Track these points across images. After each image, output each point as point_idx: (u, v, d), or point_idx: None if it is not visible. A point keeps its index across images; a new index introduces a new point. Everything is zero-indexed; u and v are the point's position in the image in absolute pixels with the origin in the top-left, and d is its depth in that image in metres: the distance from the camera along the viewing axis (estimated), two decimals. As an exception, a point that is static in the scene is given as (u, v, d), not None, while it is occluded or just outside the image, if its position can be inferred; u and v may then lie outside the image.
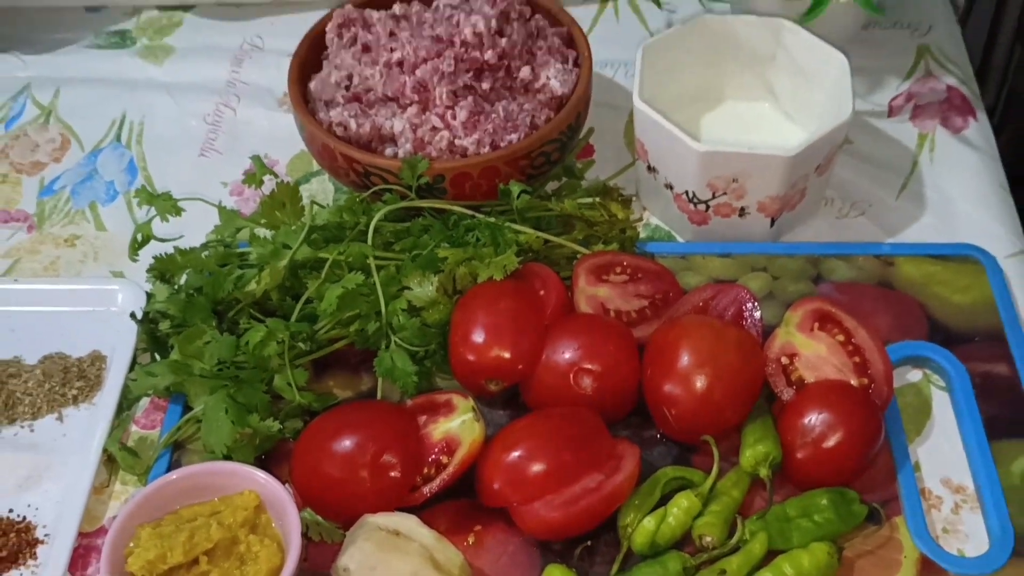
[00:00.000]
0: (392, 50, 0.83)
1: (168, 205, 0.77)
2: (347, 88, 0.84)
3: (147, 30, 1.05)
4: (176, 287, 0.77)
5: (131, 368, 0.77)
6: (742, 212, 0.80)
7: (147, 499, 0.64)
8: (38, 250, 0.87)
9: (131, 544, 0.63)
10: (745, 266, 0.81)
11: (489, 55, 0.81)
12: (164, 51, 1.02)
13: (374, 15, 0.87)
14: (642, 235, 0.85)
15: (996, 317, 0.77)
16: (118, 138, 0.95)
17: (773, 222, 0.81)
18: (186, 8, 1.07)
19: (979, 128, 0.92)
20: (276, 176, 0.80)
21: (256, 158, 0.80)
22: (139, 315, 0.78)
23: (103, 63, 1.01)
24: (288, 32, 1.01)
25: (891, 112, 0.93)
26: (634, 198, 0.85)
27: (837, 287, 0.79)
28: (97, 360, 0.79)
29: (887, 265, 0.81)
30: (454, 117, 0.80)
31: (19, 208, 0.90)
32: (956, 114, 0.92)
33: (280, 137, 0.93)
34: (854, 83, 0.79)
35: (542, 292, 0.75)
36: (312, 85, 0.85)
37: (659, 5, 0.88)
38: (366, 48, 0.85)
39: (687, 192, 0.79)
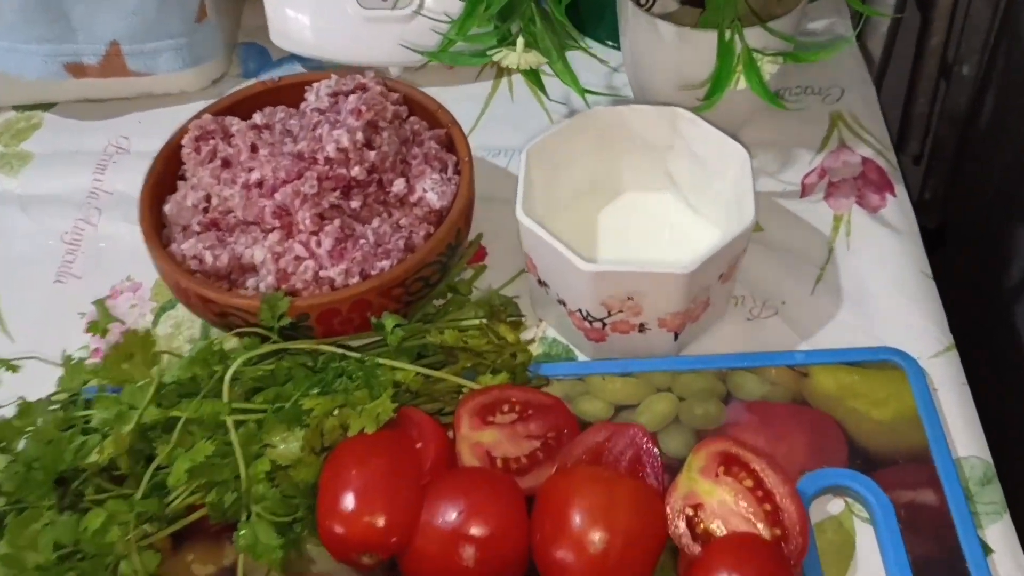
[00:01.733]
0: (251, 169, 0.75)
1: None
2: (206, 211, 0.76)
3: (2, 135, 0.96)
4: (14, 456, 0.69)
5: (-31, 548, 0.69)
6: (641, 328, 0.73)
7: None
8: None
9: None
10: (648, 387, 0.74)
11: (356, 171, 0.74)
12: (20, 159, 0.94)
13: (234, 125, 0.79)
14: (539, 351, 0.78)
15: (920, 433, 0.71)
16: (-35, 263, 0.87)
17: (676, 336, 0.75)
18: (46, 107, 0.98)
19: (898, 205, 0.85)
20: (123, 322, 0.72)
21: (99, 304, 0.73)
22: (-24, 486, 0.70)
23: (-50, 176, 0.93)
24: (157, 130, 0.92)
25: (804, 191, 0.87)
26: (523, 319, 0.78)
27: (748, 407, 0.73)
28: (-67, 540, 0.71)
29: (801, 376, 0.74)
30: (319, 244, 0.72)
31: None
32: (873, 190, 0.86)
33: (144, 256, 0.84)
34: (759, 160, 0.73)
35: (419, 444, 0.67)
36: (167, 208, 0.77)
37: (545, 95, 0.81)
38: (226, 163, 0.77)
39: (581, 310, 0.72)
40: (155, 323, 0.81)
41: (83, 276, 0.85)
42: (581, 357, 0.78)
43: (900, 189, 0.86)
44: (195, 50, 0.95)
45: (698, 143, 0.78)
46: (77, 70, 0.93)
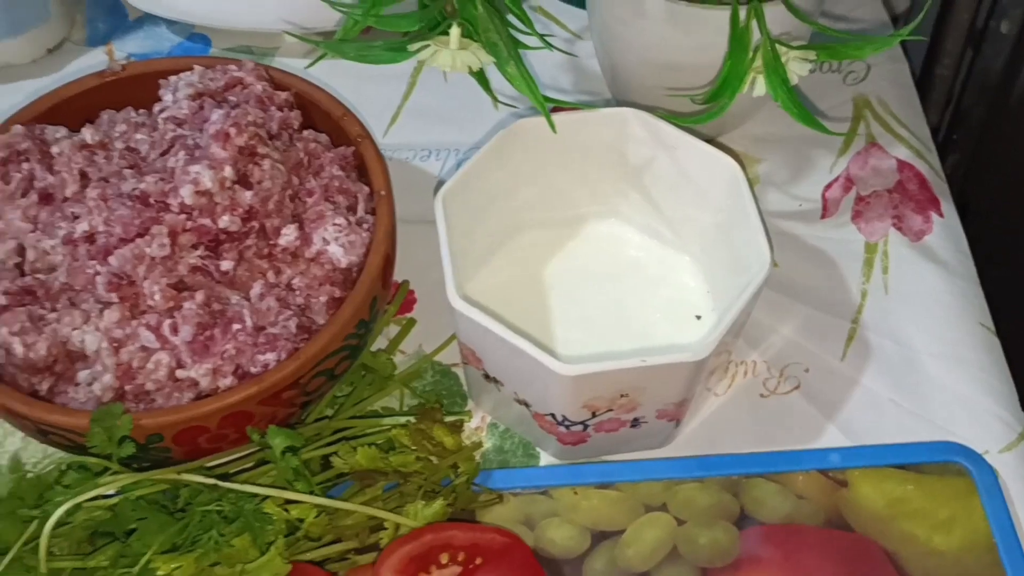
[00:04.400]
0: (75, 217, 0.53)
1: None
2: (19, 268, 0.54)
3: None
4: None
5: None
6: (635, 423, 0.54)
7: None
8: None
9: None
10: (636, 504, 0.55)
11: (226, 220, 0.52)
12: None
13: (59, 140, 0.57)
14: (488, 443, 0.58)
15: (996, 565, 0.53)
16: None
17: (678, 424, 0.56)
18: None
19: (946, 229, 0.66)
20: None
21: None
22: None
23: None
24: None
25: (826, 209, 0.67)
26: (467, 413, 0.58)
27: (768, 533, 0.54)
28: None
29: (838, 487, 0.56)
30: (175, 330, 0.51)
31: None
32: (914, 208, 0.67)
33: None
34: (762, 167, 0.54)
35: (324, 625, 0.48)
36: (-37, 264, 0.55)
37: (495, 101, 0.59)
38: (46, 198, 0.55)
39: (553, 415, 0.53)
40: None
41: None
42: (545, 457, 0.58)
43: (948, 206, 0.67)
44: (15, 10, 0.71)
45: (670, 156, 0.58)
46: None
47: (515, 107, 0.67)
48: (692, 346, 0.50)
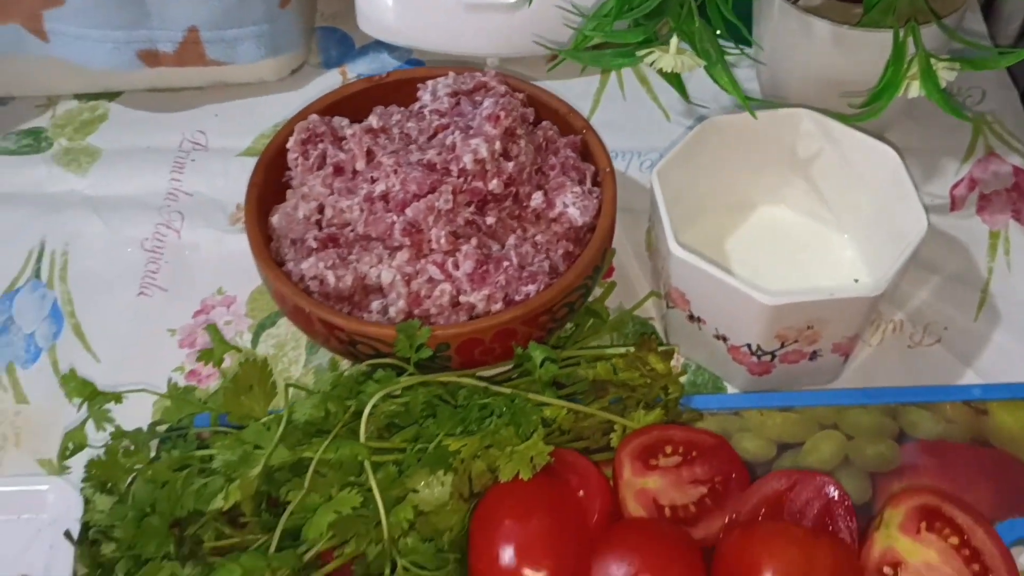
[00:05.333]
0: (374, 180, 0.67)
1: (104, 413, 0.62)
2: (319, 224, 0.69)
3: (65, 128, 0.88)
4: (119, 496, 0.62)
5: (70, 601, 0.62)
6: (813, 356, 0.67)
7: None
8: (-56, 435, 0.71)
9: None
10: (811, 423, 0.68)
11: (494, 184, 0.67)
12: (88, 155, 0.86)
13: (346, 128, 0.71)
14: (684, 381, 0.71)
15: (1115, 476, 0.65)
16: (37, 274, 0.78)
17: (847, 359, 0.68)
18: (111, 96, 0.90)
19: (1058, 219, 0.79)
20: (239, 350, 0.65)
21: (212, 330, 0.65)
22: (76, 529, 0.62)
23: (14, 174, 0.85)
24: (236, 125, 0.88)
25: (953, 204, 0.80)
26: (675, 348, 0.71)
27: (924, 448, 0.66)
28: (25, 593, 0.63)
29: (979, 414, 0.68)
30: (456, 267, 0.65)
31: (-83, 377, 0.74)
32: (1029, 204, 0.80)
33: (236, 266, 0.77)
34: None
35: (581, 491, 0.61)
36: (274, 220, 0.70)
37: (686, 98, 0.74)
38: (338, 170, 0.70)
39: (749, 345, 0.66)
40: (255, 342, 0.74)
41: (169, 288, 0.77)
42: (730, 389, 0.71)
43: (1059, 203, 0.80)
44: (276, 38, 0.87)
45: (836, 149, 0.71)
46: (150, 58, 0.84)
47: (706, 107, 0.81)
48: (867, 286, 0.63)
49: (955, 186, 0.81)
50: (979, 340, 0.72)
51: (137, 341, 0.74)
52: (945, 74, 0.68)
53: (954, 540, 0.58)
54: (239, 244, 0.78)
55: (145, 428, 0.65)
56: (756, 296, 0.62)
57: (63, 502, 0.65)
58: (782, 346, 0.66)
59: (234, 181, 0.83)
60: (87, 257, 0.79)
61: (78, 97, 0.90)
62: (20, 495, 0.66)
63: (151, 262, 0.79)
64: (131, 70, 0.84)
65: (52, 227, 0.81)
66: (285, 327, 0.75)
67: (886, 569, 0.58)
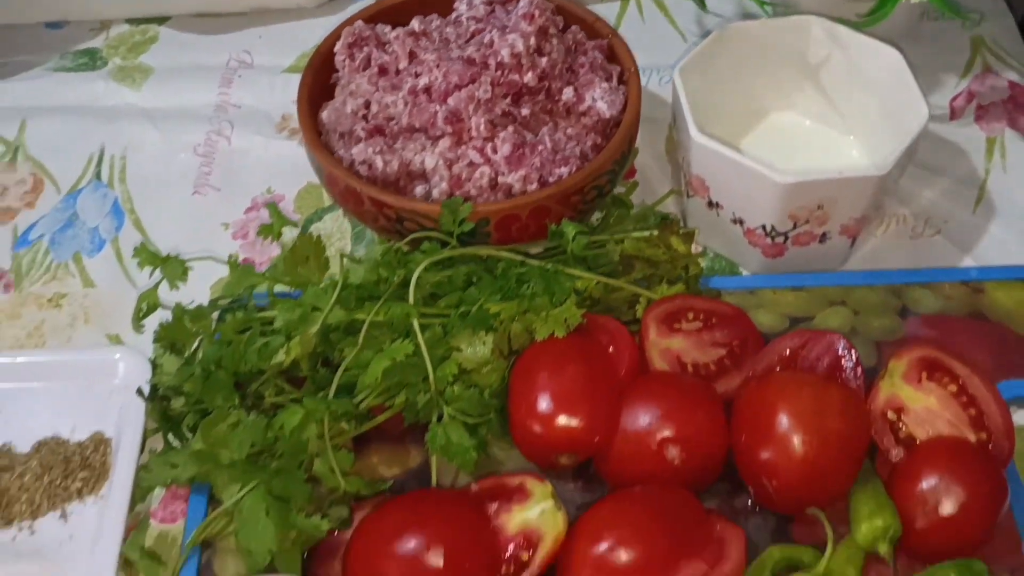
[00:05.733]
0: (417, 75, 0.73)
1: (177, 270, 0.67)
2: (365, 118, 0.74)
3: (119, 48, 0.94)
4: (186, 357, 0.68)
5: (141, 451, 0.68)
6: (823, 238, 0.72)
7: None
8: (18, 314, 0.76)
9: None
10: (822, 300, 0.73)
11: (529, 77, 0.72)
12: (141, 72, 0.91)
13: (389, 32, 0.77)
14: (703, 268, 0.76)
15: (1099, 345, 0.71)
16: (98, 176, 0.84)
17: (853, 242, 0.74)
18: (160, 20, 0.96)
19: (1049, 128, 0.85)
20: (296, 225, 0.71)
21: (272, 207, 0.71)
22: (146, 390, 0.68)
23: (72, 88, 0.90)
24: (279, 46, 0.93)
25: (953, 114, 0.86)
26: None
27: (925, 321, 0.72)
28: (101, 444, 0.69)
29: (976, 292, 0.73)
30: (495, 151, 0.71)
31: (-9, 264, 0.79)
32: (1023, 113, 0.85)
33: (283, 168, 0.83)
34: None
35: (611, 348, 0.66)
36: (324, 115, 0.75)
37: (703, 7, 0.79)
38: (383, 71, 0.75)
39: (764, 226, 0.71)
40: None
41: (221, 188, 0.83)
42: (745, 274, 0.76)
43: (1050, 113, 0.85)
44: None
45: (844, 52, 0.77)
46: (202, -20, 0.90)
47: (721, 16, 0.87)
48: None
49: (955, 98, 0.86)
50: (976, 231, 0.78)
51: (193, 234, 0.80)
52: (944, -20, 0.74)
53: (952, 388, 0.64)
54: (286, 149, 0.85)
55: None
56: (771, 175, 0.67)
57: (132, 368, 0.71)
58: (794, 227, 0.71)
59: (279, 94, 0.88)
60: (144, 161, 0.85)
61: (129, 21, 0.96)
62: (94, 363, 0.72)
63: (204, 165, 0.84)
64: (181, -8, 0.90)
65: (110, 135, 0.87)
66: (331, 222, 0.80)
67: (890, 414, 0.64)
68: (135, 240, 0.79)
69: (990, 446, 0.62)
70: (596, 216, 0.77)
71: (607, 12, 0.94)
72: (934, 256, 0.77)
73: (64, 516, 0.66)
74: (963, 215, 0.79)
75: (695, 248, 0.76)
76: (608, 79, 0.76)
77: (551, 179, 0.71)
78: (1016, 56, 0.89)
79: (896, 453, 0.63)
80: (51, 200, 0.83)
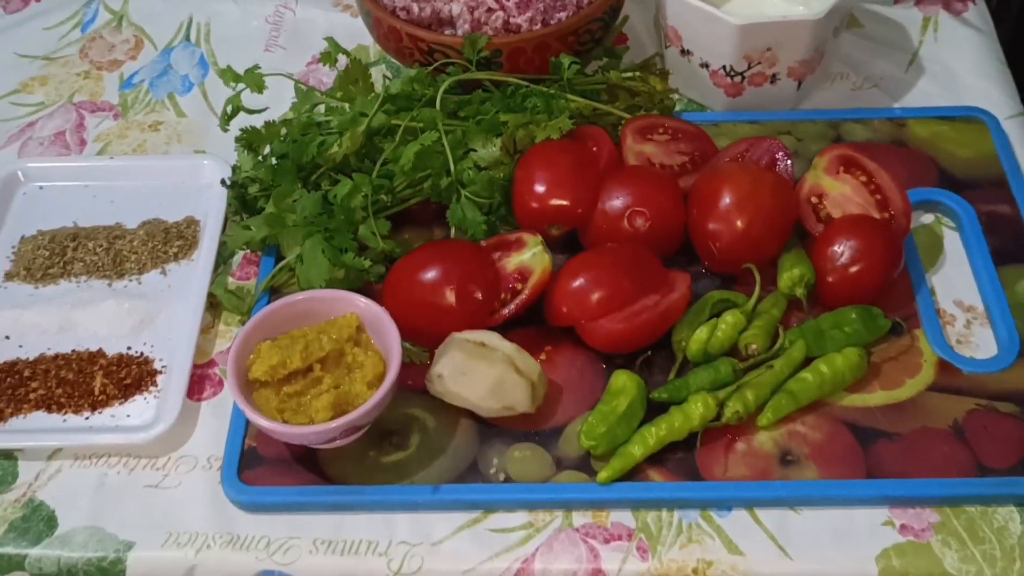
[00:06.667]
0: (446, -54, 0.91)
1: (257, 80, 0.85)
2: (404, -23, 0.92)
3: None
4: (260, 157, 0.86)
5: (223, 231, 0.86)
6: (773, 79, 0.89)
7: (263, 319, 0.73)
8: (125, 135, 0.95)
9: (251, 356, 0.71)
10: (772, 131, 0.90)
11: (537, -59, 0.90)
12: (222, -40, 1.10)
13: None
14: (678, 107, 0.94)
15: (999, 167, 0.87)
16: (188, 38, 1.03)
17: (800, 85, 0.90)
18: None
19: (978, 11, 1.01)
20: (348, 54, 0.89)
21: (330, 40, 0.89)
22: (227, 182, 0.86)
23: (163, -28, 1.10)
24: None
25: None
26: (669, 73, 0.94)
27: (855, 146, 0.88)
28: (192, 224, 0.87)
29: (899, 127, 0.90)
30: (508, -1, 0.88)
31: (103, 99, 0.98)
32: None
33: (338, 34, 1.00)
34: None
35: (595, 149, 0.84)
36: (373, -23, 0.93)
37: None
38: (421, -60, 0.93)
39: (724, 67, 0.88)
40: (353, 82, 0.97)
41: (287, 47, 1.02)
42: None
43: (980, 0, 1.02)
44: None
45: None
46: None
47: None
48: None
49: (899, -13, 1.03)
50: (906, 86, 0.95)
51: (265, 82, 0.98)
52: None
53: (863, 178, 0.80)
54: (341, 20, 1.04)
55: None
56: (728, 18, 0.85)
57: (215, 170, 0.89)
58: (749, 67, 0.88)
59: (336, -22, 1.07)
60: (224, 26, 1.04)
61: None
62: (185, 166, 0.91)
63: (273, 31, 1.03)
64: None
65: (197, 7, 1.05)
66: (374, 72, 0.98)
67: (812, 199, 0.81)
68: (218, 85, 0.98)
69: (891, 222, 0.79)
70: (592, 66, 0.94)
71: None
72: (870, 104, 0.93)
73: (164, 272, 0.85)
74: (897, 73, 0.96)
75: (671, 88, 0.93)
76: (603, -47, 0.93)
77: (552, 21, 0.88)
78: (956, -47, 1.06)
79: (817, 228, 0.80)
80: (149, 55, 1.02)
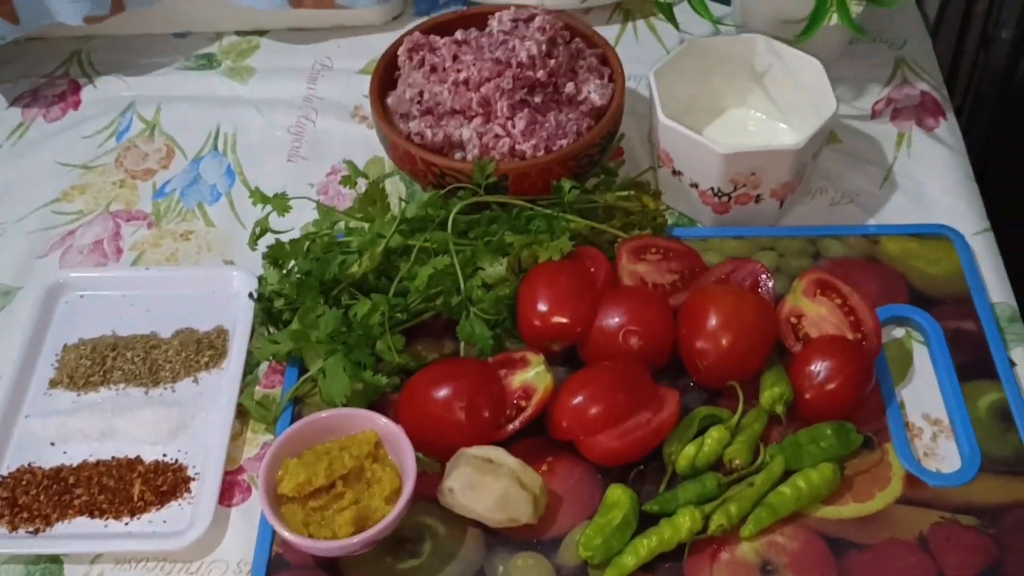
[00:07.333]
0: (459, 71, 0.99)
1: (282, 203, 0.93)
2: (419, 103, 1.00)
3: (230, 53, 1.20)
4: (285, 272, 0.93)
5: (250, 340, 0.93)
6: (757, 199, 0.97)
7: (290, 437, 0.80)
8: (159, 244, 1.03)
9: (280, 473, 0.79)
10: (756, 246, 0.98)
11: (540, 74, 0.98)
12: (247, 71, 1.18)
13: (439, 40, 1.03)
14: (669, 221, 1.01)
15: (964, 285, 0.94)
16: (215, 147, 1.11)
17: (782, 204, 0.98)
18: (261, 33, 1.23)
19: (949, 127, 1.09)
20: (367, 177, 0.96)
21: (350, 163, 0.97)
22: (254, 295, 0.94)
23: (195, 82, 1.17)
24: (353, 53, 1.19)
25: (874, 115, 1.10)
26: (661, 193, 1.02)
27: (832, 262, 0.96)
28: (221, 333, 0.95)
29: (873, 243, 0.97)
30: (514, 126, 0.96)
31: (138, 208, 1.06)
32: (929, 115, 1.09)
33: (355, 144, 1.10)
34: (838, 88, 0.96)
35: (592, 269, 0.91)
36: (389, 101, 1.01)
37: (676, 27, 1.04)
38: (433, 69, 1.01)
39: (712, 188, 0.96)
40: (369, 193, 1.05)
41: (309, 158, 1.09)
42: (700, 226, 1.01)
43: (951, 116, 1.10)
44: (383, -11, 1.19)
45: (782, 62, 1.01)
46: (296, 1, 1.17)
47: (690, 34, 1.12)
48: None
49: (876, 103, 1.11)
50: (881, 201, 1.02)
51: (287, 191, 1.04)
52: (855, 8, 0.99)
53: (838, 301, 0.88)
54: (357, 130, 1.11)
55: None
56: (715, 147, 0.92)
57: (243, 281, 0.97)
58: (735, 189, 0.96)
59: (354, 90, 1.15)
60: (250, 137, 1.12)
61: (238, 33, 1.23)
62: (216, 277, 0.98)
63: (295, 141, 1.11)
64: (281, 9, 1.16)
65: (224, 118, 1.13)
66: (390, 184, 1.06)
67: (792, 319, 0.88)
68: (244, 194, 1.05)
69: (863, 343, 0.86)
70: (591, 182, 1.02)
71: (610, 33, 1.20)
72: (847, 219, 1.01)
73: (196, 381, 0.92)
74: (872, 189, 1.03)
75: (662, 206, 1.01)
76: (601, 77, 1.01)
77: (555, 148, 0.96)
78: (930, 72, 1.13)
79: (796, 347, 0.87)
80: (180, 164, 1.10)
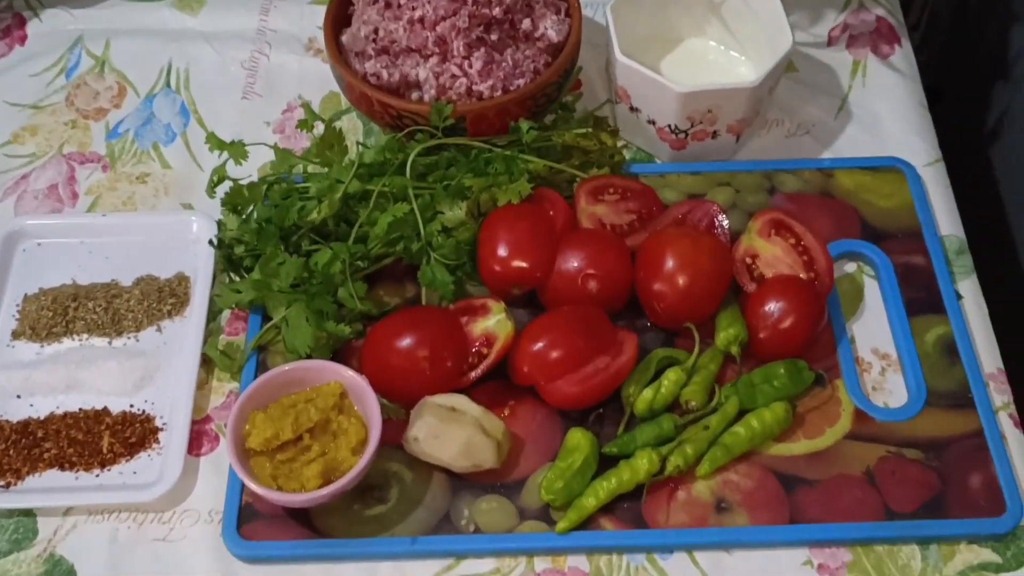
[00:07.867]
0: (414, 8, 0.97)
1: (240, 150, 0.93)
2: (374, 41, 0.99)
3: (179, -17, 1.18)
4: (244, 217, 0.93)
5: (212, 286, 0.94)
6: (714, 135, 0.97)
7: (256, 391, 0.81)
8: (115, 187, 1.02)
9: (247, 427, 0.80)
10: (713, 182, 0.98)
11: (496, 11, 0.96)
12: (197, 2, 1.15)
13: (392, -24, 1.01)
14: (627, 156, 1.02)
15: (915, 218, 0.96)
16: (168, 84, 1.09)
17: (738, 139, 0.99)
18: (211, -39, 1.20)
19: (903, 54, 1.09)
20: (324, 121, 0.96)
21: (306, 105, 0.96)
22: (215, 242, 0.94)
23: (144, 14, 1.14)
24: None
25: (830, 42, 1.10)
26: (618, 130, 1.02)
27: (787, 197, 0.97)
28: (183, 280, 0.95)
29: (827, 177, 0.99)
30: (470, 66, 0.95)
31: (92, 150, 1.04)
32: (884, 42, 1.10)
33: (311, 80, 1.08)
34: (794, 13, 0.96)
35: (552, 212, 0.92)
36: (344, 38, 1.00)
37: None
38: (388, 4, 1.00)
39: (669, 125, 0.96)
40: (326, 131, 1.04)
41: (264, 95, 1.08)
42: (658, 162, 1.02)
43: (906, 43, 1.10)
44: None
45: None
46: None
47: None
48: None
49: (832, 29, 1.11)
50: (835, 133, 1.03)
51: (243, 129, 1.04)
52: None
53: (792, 241, 0.89)
54: (312, 65, 1.09)
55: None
56: (672, 86, 0.92)
57: (203, 226, 0.96)
58: (692, 126, 0.96)
59: (307, 22, 1.13)
60: (203, 73, 1.10)
61: (185, -39, 1.20)
62: (175, 222, 0.98)
63: (249, 76, 1.09)
64: (228, -62, 1.14)
65: (176, 51, 1.11)
66: (347, 121, 1.05)
67: (747, 259, 0.90)
68: (199, 134, 1.04)
69: (816, 282, 0.88)
70: (548, 118, 1.02)
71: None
72: (802, 151, 1.02)
73: (159, 330, 0.92)
74: (827, 120, 1.04)
75: (620, 142, 1.01)
76: (557, 12, 1.00)
77: (512, 87, 0.95)
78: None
79: (750, 287, 0.89)
80: (133, 103, 1.08)
